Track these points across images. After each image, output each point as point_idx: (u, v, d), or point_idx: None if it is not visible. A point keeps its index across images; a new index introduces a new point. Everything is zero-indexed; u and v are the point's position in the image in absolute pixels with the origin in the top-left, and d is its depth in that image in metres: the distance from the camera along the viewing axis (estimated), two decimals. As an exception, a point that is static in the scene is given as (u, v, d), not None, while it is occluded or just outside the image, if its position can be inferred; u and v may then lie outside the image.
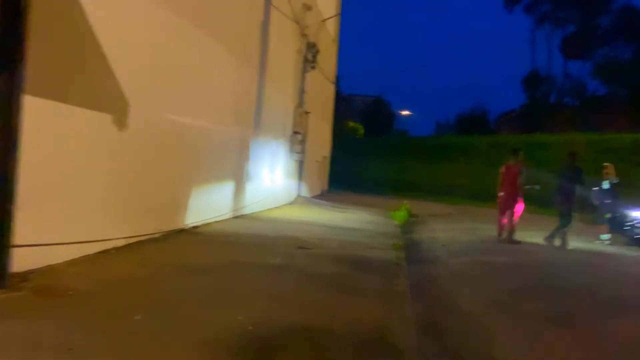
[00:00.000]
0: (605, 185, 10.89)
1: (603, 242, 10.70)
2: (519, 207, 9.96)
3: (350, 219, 11.46)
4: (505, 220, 10.03)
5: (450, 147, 30.62)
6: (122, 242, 5.33)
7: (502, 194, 10.11)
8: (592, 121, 37.34)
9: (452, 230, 11.77)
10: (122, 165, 5.34)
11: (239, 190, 9.33)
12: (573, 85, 47.25)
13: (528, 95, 48.45)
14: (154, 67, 5.87)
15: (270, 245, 6.76)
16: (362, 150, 32.73)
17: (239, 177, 9.37)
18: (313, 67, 14.07)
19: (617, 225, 10.97)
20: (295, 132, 13.14)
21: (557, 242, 9.71)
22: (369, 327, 3.72)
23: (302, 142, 13.90)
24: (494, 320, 4.60)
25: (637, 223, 10.78)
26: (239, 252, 6.08)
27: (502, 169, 10.25)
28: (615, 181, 10.84)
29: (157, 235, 5.97)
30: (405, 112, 54.13)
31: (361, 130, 45.55)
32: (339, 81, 48.44)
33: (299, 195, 14.36)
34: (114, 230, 5.21)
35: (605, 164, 11.33)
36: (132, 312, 3.39)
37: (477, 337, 4.13)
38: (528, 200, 10.49)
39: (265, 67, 10.27)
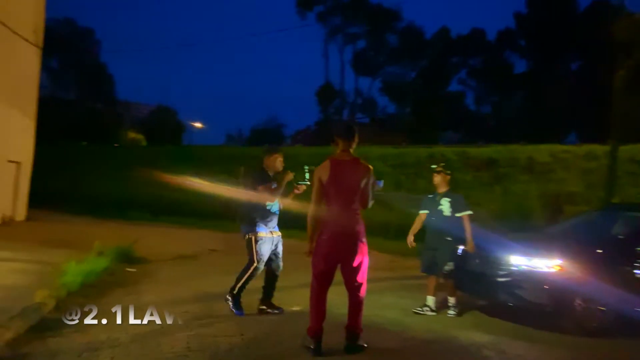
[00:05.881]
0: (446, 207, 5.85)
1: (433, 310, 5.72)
2: (366, 261, 4.17)
3: None
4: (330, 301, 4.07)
5: (237, 158, 25.23)
6: None
7: (328, 228, 4.12)
8: (384, 137, 36.36)
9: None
10: None
11: None
12: (364, 102, 46.92)
13: (322, 109, 46.60)
14: None
15: None
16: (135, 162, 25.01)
17: None
18: None
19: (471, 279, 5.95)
20: None
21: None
22: None
23: None
24: None
25: (517, 275, 5.40)
26: None
27: (322, 174, 4.23)
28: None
29: None
30: (197, 124, 47.83)
31: (143, 142, 39.58)
32: (111, 80, 39.26)
33: None
34: None
35: (433, 166, 6.38)
36: None
37: None
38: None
39: None
